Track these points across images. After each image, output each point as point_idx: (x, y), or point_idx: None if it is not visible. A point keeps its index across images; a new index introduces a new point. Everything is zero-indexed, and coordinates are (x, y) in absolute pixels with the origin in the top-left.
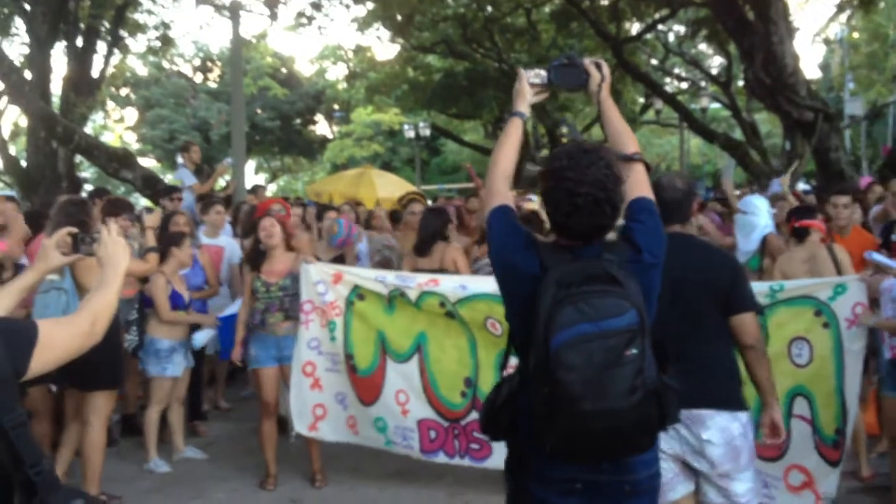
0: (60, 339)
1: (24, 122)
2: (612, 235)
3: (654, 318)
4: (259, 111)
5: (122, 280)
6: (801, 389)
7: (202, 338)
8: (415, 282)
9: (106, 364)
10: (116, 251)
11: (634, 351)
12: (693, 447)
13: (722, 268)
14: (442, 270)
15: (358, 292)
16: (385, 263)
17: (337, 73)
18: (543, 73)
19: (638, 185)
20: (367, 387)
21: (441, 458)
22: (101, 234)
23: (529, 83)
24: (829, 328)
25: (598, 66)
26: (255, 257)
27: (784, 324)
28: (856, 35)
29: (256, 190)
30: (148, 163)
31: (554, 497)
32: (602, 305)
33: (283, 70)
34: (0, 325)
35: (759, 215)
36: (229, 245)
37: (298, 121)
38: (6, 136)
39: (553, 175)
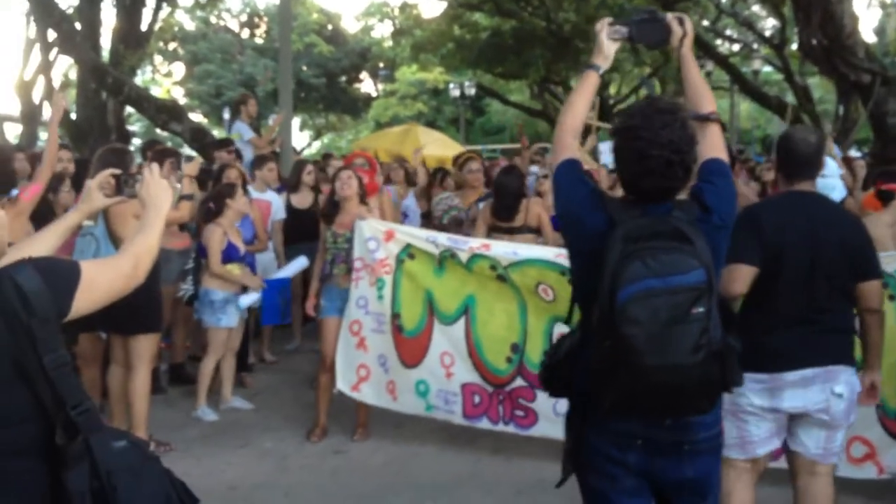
0: (102, 280)
1: (74, 74)
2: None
3: (788, 276)
4: (305, 68)
5: (164, 222)
6: None
7: (248, 300)
8: (467, 245)
9: (145, 308)
10: (159, 193)
11: (701, 309)
12: (822, 402)
13: (856, 231)
14: (525, 227)
15: (409, 251)
16: (458, 222)
17: (383, 30)
18: (624, 28)
19: (712, 145)
20: (411, 348)
21: (484, 424)
22: (144, 176)
23: (609, 38)
24: (894, 301)
25: (681, 22)
26: (329, 210)
27: None
28: None
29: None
30: (195, 118)
31: (613, 450)
32: (670, 261)
33: (329, 27)
34: (42, 264)
35: (835, 177)
36: (276, 200)
37: (343, 78)
38: (57, 87)
39: (625, 133)
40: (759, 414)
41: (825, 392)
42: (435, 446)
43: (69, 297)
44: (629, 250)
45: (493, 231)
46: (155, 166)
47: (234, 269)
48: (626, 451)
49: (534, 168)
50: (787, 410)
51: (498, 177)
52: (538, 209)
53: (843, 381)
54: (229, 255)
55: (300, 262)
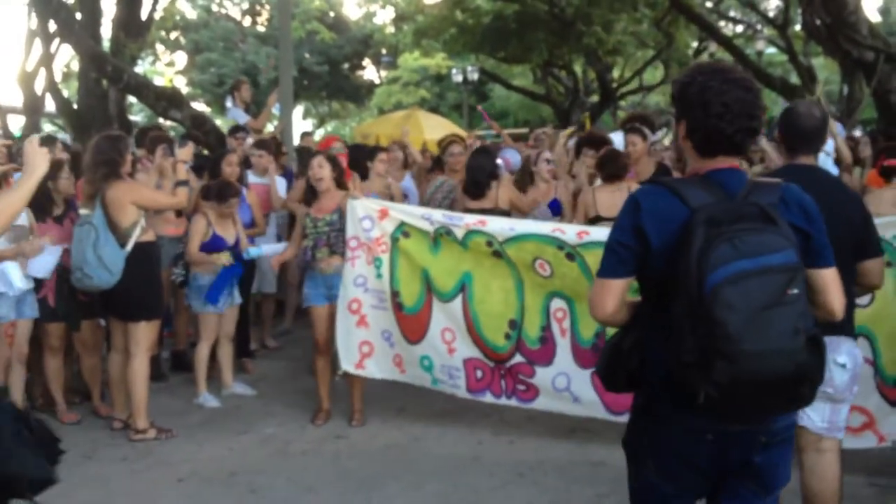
0: None
1: (76, 65)
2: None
3: None
4: (307, 56)
5: (35, 184)
6: (863, 329)
7: (256, 251)
8: (462, 221)
9: (145, 296)
10: (35, 159)
11: (796, 291)
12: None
13: (856, 208)
14: (497, 210)
15: (403, 229)
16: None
17: (385, 16)
18: None
19: None
20: (412, 325)
21: (488, 398)
22: (25, 146)
23: None
24: (892, 267)
25: None
26: (309, 195)
27: None
28: None
29: (304, 137)
30: (198, 107)
31: (679, 443)
32: (758, 242)
33: (331, 14)
34: None
35: (832, 153)
36: (282, 186)
37: (346, 66)
38: (59, 79)
39: (697, 85)
40: None
41: (828, 363)
42: (436, 429)
43: None
44: (713, 234)
45: (465, 212)
46: (34, 137)
47: (222, 257)
48: (695, 444)
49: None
50: None
51: (471, 157)
52: (509, 192)
53: (845, 352)
54: (214, 244)
55: (279, 247)
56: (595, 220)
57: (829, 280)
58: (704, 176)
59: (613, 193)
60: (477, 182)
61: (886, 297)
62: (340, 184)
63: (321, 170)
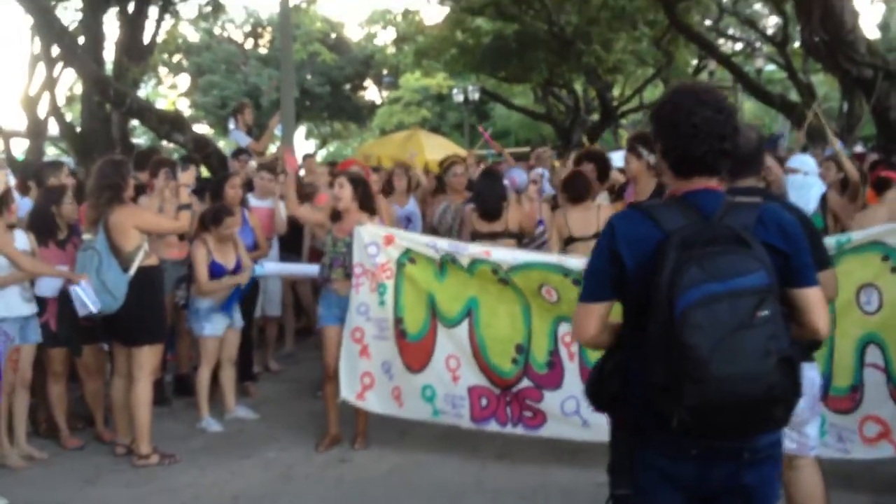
0: None
1: (79, 89)
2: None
3: None
4: (309, 77)
5: None
6: (873, 337)
7: (260, 270)
8: (467, 250)
9: (149, 320)
10: None
11: (766, 312)
12: None
13: (801, 223)
14: (507, 233)
15: (409, 255)
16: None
17: (386, 37)
18: None
19: None
20: (416, 352)
21: (493, 427)
22: None
23: None
24: None
25: None
26: (334, 213)
27: (851, 272)
28: None
29: (306, 158)
30: (200, 129)
31: (664, 462)
32: (728, 264)
33: (333, 35)
34: None
35: (813, 174)
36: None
37: (348, 86)
38: (62, 102)
39: (668, 105)
40: None
41: None
42: (439, 454)
43: None
44: (684, 258)
45: (475, 237)
46: None
47: (242, 278)
48: (678, 462)
49: (539, 170)
50: None
51: (480, 180)
52: (518, 214)
53: (802, 377)
54: (214, 272)
55: (309, 269)
56: (569, 241)
57: (813, 300)
58: (681, 198)
59: (584, 213)
60: (490, 206)
61: (894, 304)
62: (364, 206)
63: (341, 190)
